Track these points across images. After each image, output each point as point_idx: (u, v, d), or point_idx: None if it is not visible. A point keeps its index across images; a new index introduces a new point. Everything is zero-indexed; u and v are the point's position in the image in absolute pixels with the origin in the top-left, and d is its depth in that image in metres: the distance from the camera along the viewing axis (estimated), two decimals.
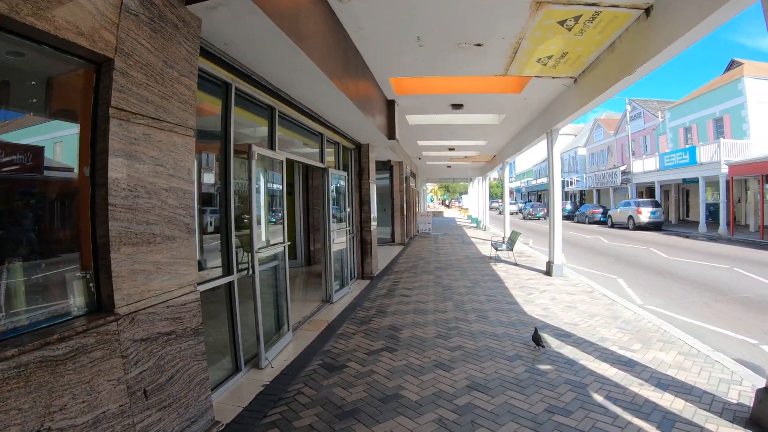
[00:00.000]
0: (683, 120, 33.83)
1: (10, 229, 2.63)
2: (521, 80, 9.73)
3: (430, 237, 25.28)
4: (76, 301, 2.89)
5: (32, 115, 2.92)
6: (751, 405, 4.11)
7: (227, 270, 5.04)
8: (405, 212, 22.09)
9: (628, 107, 39.92)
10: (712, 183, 27.45)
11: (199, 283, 4.36)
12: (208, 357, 5.05)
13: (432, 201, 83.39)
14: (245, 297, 5.40)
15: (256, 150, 5.46)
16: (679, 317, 7.92)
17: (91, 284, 2.92)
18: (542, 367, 5.33)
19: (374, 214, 12.38)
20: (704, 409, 4.20)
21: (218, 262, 5.13)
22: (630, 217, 29.05)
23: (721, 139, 25.42)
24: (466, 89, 10.27)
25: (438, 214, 59.60)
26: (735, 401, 4.36)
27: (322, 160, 9.03)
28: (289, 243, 6.73)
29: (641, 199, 31.02)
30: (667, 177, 30.59)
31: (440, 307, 8.38)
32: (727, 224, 23.08)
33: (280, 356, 5.91)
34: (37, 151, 2.83)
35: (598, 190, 45.38)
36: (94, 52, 2.75)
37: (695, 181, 27.44)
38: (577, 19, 6.17)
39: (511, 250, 14.71)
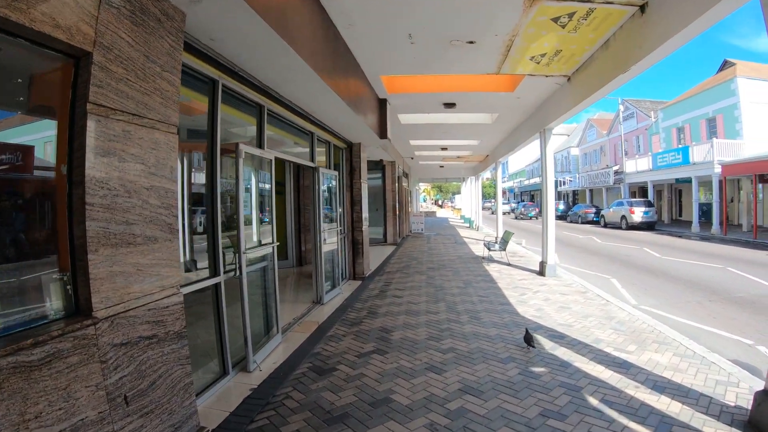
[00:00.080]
0: (676, 120, 33.98)
1: None
2: (514, 79, 9.68)
3: (423, 237, 25.23)
4: (53, 304, 2.78)
5: (20, 114, 2.84)
6: (749, 408, 4.05)
7: (214, 271, 4.94)
8: (397, 212, 22.03)
9: (621, 107, 40.00)
10: (705, 183, 27.61)
11: (183, 285, 4.27)
12: (195, 360, 4.96)
13: (425, 201, 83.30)
14: (233, 299, 5.29)
15: (244, 148, 5.34)
16: (673, 317, 7.88)
17: (68, 287, 2.81)
18: (536, 369, 5.25)
19: (366, 214, 12.28)
20: (701, 412, 4.13)
21: (206, 263, 5.02)
22: (623, 216, 29.15)
23: (714, 139, 25.58)
24: (458, 88, 10.19)
25: (431, 214, 59.63)
26: (732, 404, 4.30)
27: (312, 160, 8.92)
28: (278, 243, 6.61)
29: (634, 199, 31.08)
30: (660, 177, 30.71)
31: (432, 309, 8.30)
32: (720, 224, 23.18)
33: (269, 359, 5.80)
34: (27, 151, 2.76)
35: (591, 190, 45.53)
36: (71, 46, 2.64)
37: (688, 180, 27.55)
38: (571, 16, 6.10)
39: (504, 250, 14.66)
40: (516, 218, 47.07)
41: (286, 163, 12.10)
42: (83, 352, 2.65)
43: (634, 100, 41.35)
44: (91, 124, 2.74)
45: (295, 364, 5.63)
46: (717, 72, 32.02)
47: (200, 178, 5.56)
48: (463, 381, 4.95)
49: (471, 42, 7.07)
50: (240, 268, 5.24)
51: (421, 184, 56.87)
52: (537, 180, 57.24)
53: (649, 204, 29.12)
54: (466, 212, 40.14)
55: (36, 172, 2.87)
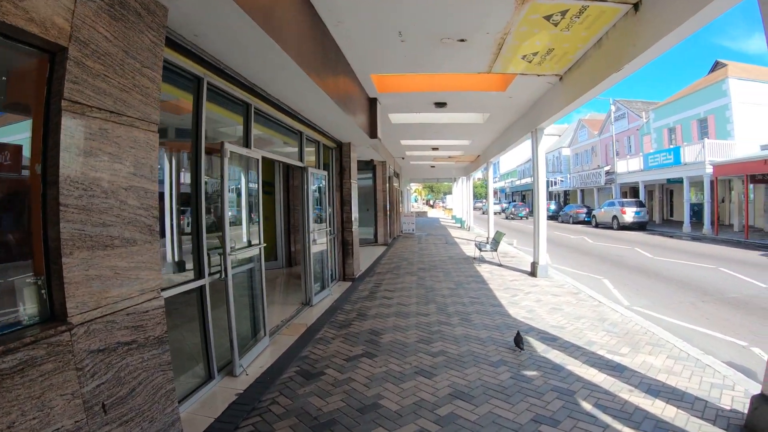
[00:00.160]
0: (667, 120, 34.17)
1: None
2: (506, 78, 9.62)
3: (414, 237, 25.19)
4: (27, 309, 2.66)
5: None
6: (746, 411, 4.00)
7: (198, 273, 4.82)
8: (388, 212, 21.97)
9: (613, 107, 40.17)
10: (697, 183, 27.78)
11: (166, 288, 4.16)
12: (180, 364, 4.86)
13: (416, 201, 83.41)
14: (219, 301, 5.19)
15: (229, 148, 5.22)
16: (666, 318, 7.86)
17: (43, 291, 2.69)
18: (528, 373, 5.18)
19: (356, 214, 12.18)
20: (697, 417, 4.08)
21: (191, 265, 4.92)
22: (614, 217, 29.27)
23: (706, 139, 25.76)
24: (449, 87, 10.11)
25: (422, 214, 59.71)
26: (728, 407, 4.25)
27: (301, 159, 8.81)
28: (266, 245, 6.50)
29: (625, 199, 31.27)
30: (652, 177, 30.87)
31: (423, 310, 8.21)
32: (712, 224, 23.34)
33: (255, 362, 5.69)
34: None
35: (582, 190, 45.73)
36: (46, 41, 2.53)
37: (679, 181, 27.70)
38: (563, 13, 6.03)
39: (495, 250, 14.62)
40: (506, 218, 47.37)
41: (276, 163, 11.99)
42: (58, 360, 2.54)
43: (625, 101, 41.56)
44: (65, 122, 2.63)
45: (282, 367, 5.52)
46: (708, 73, 32.22)
47: (189, 177, 5.47)
48: (454, 385, 4.87)
49: (462, 40, 6.98)
50: (225, 270, 5.13)
51: (412, 184, 56.89)
52: (528, 180, 57.52)
53: (640, 204, 29.26)
54: (458, 212, 40.20)
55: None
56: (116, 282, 2.96)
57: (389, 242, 21.72)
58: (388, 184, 21.76)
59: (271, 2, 4.41)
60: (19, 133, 2.74)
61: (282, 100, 6.94)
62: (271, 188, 13.21)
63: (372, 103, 10.70)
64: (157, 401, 3.33)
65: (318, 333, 6.92)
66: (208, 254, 4.94)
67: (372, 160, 19.72)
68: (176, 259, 5.17)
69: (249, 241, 6.26)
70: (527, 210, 46.41)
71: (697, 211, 28.53)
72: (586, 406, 4.32)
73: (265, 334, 6.30)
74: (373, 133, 10.82)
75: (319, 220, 9.91)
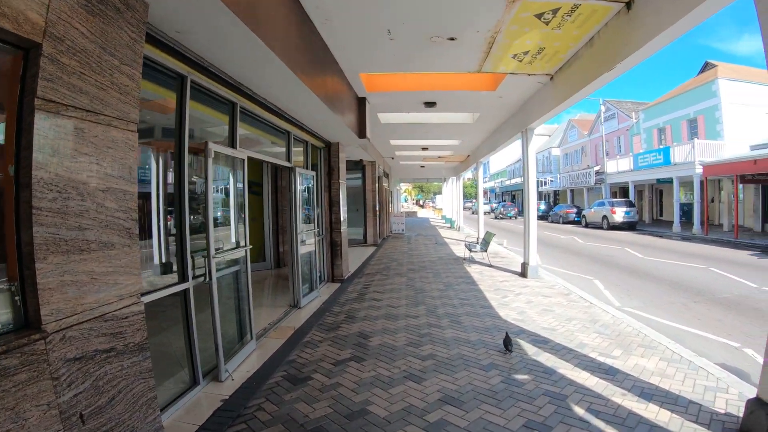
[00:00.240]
0: (657, 121, 34.36)
1: None
2: (496, 77, 9.56)
3: (404, 238, 25.14)
4: (0, 317, 2.54)
5: None
6: (741, 415, 3.96)
7: (182, 276, 4.71)
8: (378, 212, 21.90)
9: (603, 108, 40.34)
10: (686, 183, 27.96)
11: (148, 293, 4.05)
12: (164, 370, 4.75)
13: (406, 201, 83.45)
14: (204, 305, 5.07)
15: (213, 147, 5.11)
16: (657, 319, 7.84)
17: (16, 297, 2.58)
18: (519, 377, 5.10)
19: (344, 215, 12.09)
20: (691, 421, 4.03)
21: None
22: (604, 216, 29.38)
23: (696, 139, 25.89)
24: (439, 86, 10.03)
25: (412, 214, 59.73)
26: (723, 411, 4.20)
27: (288, 159, 8.69)
28: (251, 247, 6.38)
29: (615, 199, 31.39)
30: (641, 177, 31.01)
31: (412, 312, 8.13)
32: (702, 224, 23.48)
33: (242, 367, 5.58)
34: None
35: (572, 190, 45.89)
36: (18, 36, 2.42)
37: (669, 181, 27.87)
38: (555, 12, 5.97)
39: (485, 251, 14.57)
40: (495, 218, 47.59)
41: (264, 164, 11.86)
42: (32, 369, 2.44)
43: (615, 101, 41.78)
44: (39, 122, 2.52)
45: (269, 372, 5.42)
46: (698, 73, 32.41)
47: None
48: (444, 390, 4.78)
49: (452, 39, 6.90)
50: (210, 273, 5.01)
51: (402, 184, 56.87)
52: (518, 180, 57.68)
53: (630, 204, 29.40)
54: (447, 212, 40.27)
55: None
56: (93, 287, 2.85)
57: (379, 243, 21.64)
58: (377, 184, 21.69)
59: None
60: None
61: (268, 98, 6.82)
62: (260, 189, 13.10)
63: (361, 102, 10.60)
64: (138, 410, 3.22)
65: (306, 336, 6.82)
66: (192, 257, 4.83)
67: (361, 160, 19.65)
68: (163, 260, 5.06)
69: (236, 243, 6.16)
70: (516, 210, 46.67)
71: (686, 211, 28.74)
72: (579, 410, 4.26)
73: (251, 338, 6.19)
74: (362, 132, 10.72)
75: (308, 220, 9.79)
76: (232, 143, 6.04)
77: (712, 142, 26.09)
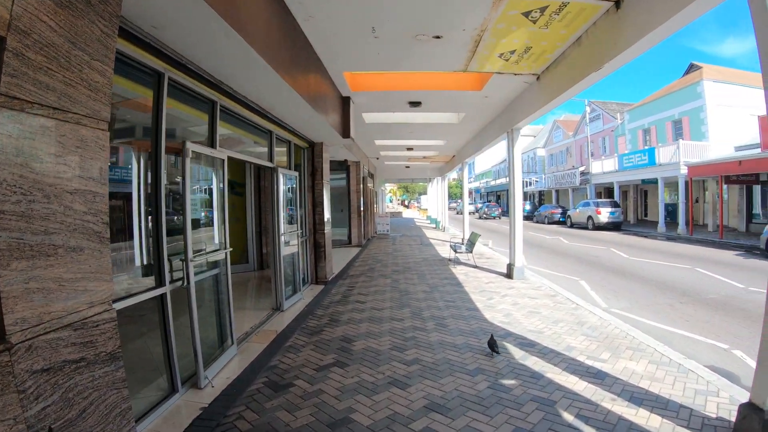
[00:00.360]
0: (642, 122, 34.61)
1: None
2: (482, 77, 9.49)
3: (389, 238, 25.05)
4: None
5: None
6: (732, 419, 3.91)
7: (159, 281, 4.55)
8: (362, 213, 21.80)
9: (588, 109, 40.62)
10: (671, 184, 28.24)
11: (122, 298, 3.91)
12: (141, 378, 4.59)
13: (391, 201, 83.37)
14: (183, 309, 4.92)
15: (191, 147, 4.94)
16: (645, 321, 7.83)
17: None
18: (506, 382, 5.01)
19: (328, 216, 11.95)
20: (683, 426, 3.97)
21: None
22: (589, 217, 29.58)
23: (681, 140, 26.07)
24: (424, 86, 9.96)
25: (397, 214, 59.74)
26: (714, 415, 4.15)
27: (271, 160, 8.54)
28: (235, 249, 6.23)
29: (600, 200, 31.63)
30: (626, 178, 31.28)
31: (396, 315, 8.03)
32: (686, 224, 23.78)
33: (222, 373, 5.43)
34: None
35: (557, 191, 46.14)
36: None
37: (654, 181, 28.14)
38: (542, 10, 5.90)
39: (471, 252, 14.52)
40: (480, 218, 47.82)
41: (247, 164, 11.68)
42: None
43: (600, 102, 42.09)
44: (2, 119, 2.36)
45: (250, 379, 5.27)
46: (683, 75, 32.64)
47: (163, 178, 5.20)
48: (429, 397, 4.67)
49: (437, 37, 6.81)
50: (187, 277, 4.85)
51: (387, 184, 56.78)
52: (503, 181, 57.91)
53: (615, 204, 29.64)
54: (433, 213, 40.33)
55: None
56: (61, 295, 2.70)
57: (363, 243, 21.52)
58: (362, 185, 21.59)
59: None
60: None
61: (250, 97, 6.67)
62: (243, 189, 12.92)
63: (345, 101, 10.48)
64: (112, 422, 3.07)
65: (288, 340, 6.68)
66: (170, 260, 4.67)
67: (346, 161, 19.55)
68: (144, 262, 4.90)
69: (219, 244, 6.00)
70: (500, 210, 46.96)
71: (671, 212, 29.07)
72: (568, 417, 4.17)
73: (232, 343, 6.04)
74: (346, 132, 10.62)
75: (291, 221, 9.64)
76: (211, 143, 5.87)
77: (697, 143, 26.39)
